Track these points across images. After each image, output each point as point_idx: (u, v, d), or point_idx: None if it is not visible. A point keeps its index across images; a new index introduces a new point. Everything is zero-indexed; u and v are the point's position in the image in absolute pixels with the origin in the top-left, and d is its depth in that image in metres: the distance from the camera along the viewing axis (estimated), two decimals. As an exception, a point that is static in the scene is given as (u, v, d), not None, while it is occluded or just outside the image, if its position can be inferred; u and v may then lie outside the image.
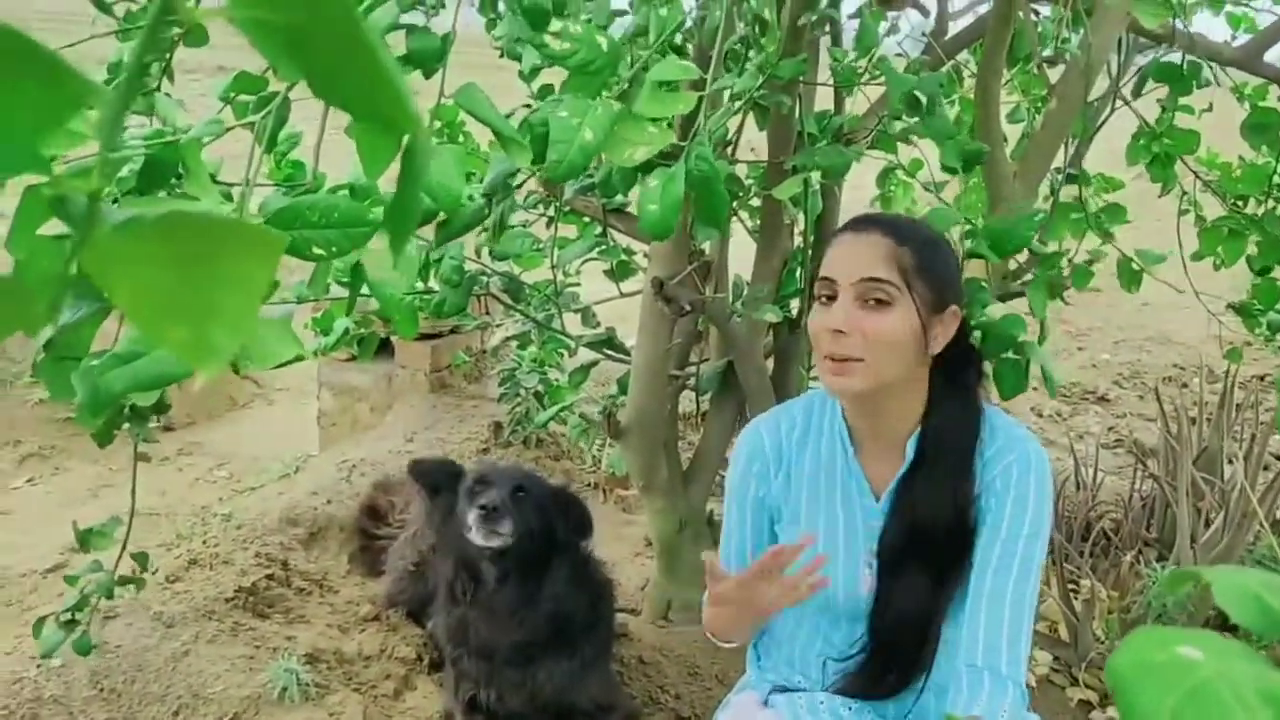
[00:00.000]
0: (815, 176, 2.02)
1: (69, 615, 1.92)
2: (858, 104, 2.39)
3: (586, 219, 2.63)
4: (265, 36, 0.31)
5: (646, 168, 1.43)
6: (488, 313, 3.82)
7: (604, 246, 2.59)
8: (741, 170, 2.47)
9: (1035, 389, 4.94)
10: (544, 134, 1.30)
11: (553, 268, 2.49)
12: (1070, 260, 2.39)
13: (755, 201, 2.52)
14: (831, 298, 1.43)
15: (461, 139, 2.96)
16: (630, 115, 1.27)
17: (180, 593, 2.63)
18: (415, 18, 1.41)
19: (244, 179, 1.05)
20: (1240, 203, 2.70)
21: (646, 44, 1.55)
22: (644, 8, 1.83)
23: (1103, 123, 2.56)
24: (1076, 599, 2.67)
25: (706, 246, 2.49)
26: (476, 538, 2.01)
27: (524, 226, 2.57)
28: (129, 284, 0.32)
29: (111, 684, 2.26)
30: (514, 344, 3.41)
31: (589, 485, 3.71)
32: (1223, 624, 2.51)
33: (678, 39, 2.25)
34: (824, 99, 2.40)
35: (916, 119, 1.98)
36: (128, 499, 2.08)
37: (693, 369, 2.64)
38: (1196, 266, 2.70)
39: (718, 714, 1.67)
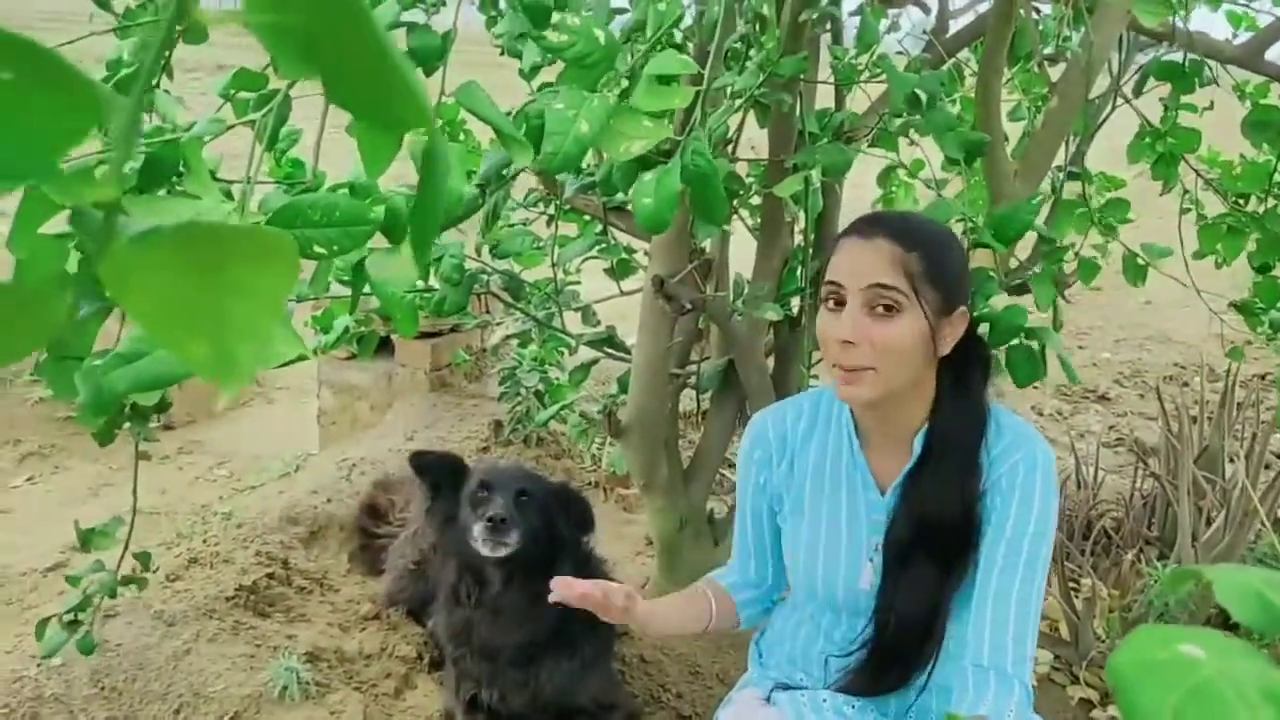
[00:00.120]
0: (816, 174, 2.02)
1: (72, 615, 1.92)
2: (858, 102, 2.38)
3: (587, 217, 2.63)
4: (280, 41, 0.31)
5: (646, 164, 1.43)
6: (488, 311, 3.82)
7: (604, 245, 2.59)
8: (742, 168, 2.47)
9: (1035, 387, 4.94)
10: (540, 126, 1.29)
11: (553, 266, 2.49)
12: (1076, 254, 2.39)
13: (756, 199, 2.51)
14: (839, 302, 1.43)
15: (462, 137, 2.96)
16: (627, 109, 1.27)
17: (181, 591, 2.63)
18: (416, 15, 1.41)
19: (244, 177, 1.05)
20: (1241, 201, 2.70)
21: (645, 39, 1.55)
22: (642, 2, 1.82)
23: (1103, 121, 2.55)
24: (1077, 597, 2.67)
25: (707, 245, 2.48)
26: (483, 549, 2.01)
27: (524, 225, 2.58)
28: (148, 297, 0.32)
29: (112, 682, 2.26)
30: (514, 342, 3.41)
31: (589, 484, 3.71)
32: (1224, 622, 2.51)
33: (678, 36, 2.25)
34: (825, 97, 2.40)
35: (917, 115, 1.98)
36: (128, 498, 2.08)
37: (693, 367, 2.64)
38: (1198, 265, 2.70)
39: (720, 711, 1.67)
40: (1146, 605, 2.60)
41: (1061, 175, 2.43)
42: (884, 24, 2.43)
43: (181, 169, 1.10)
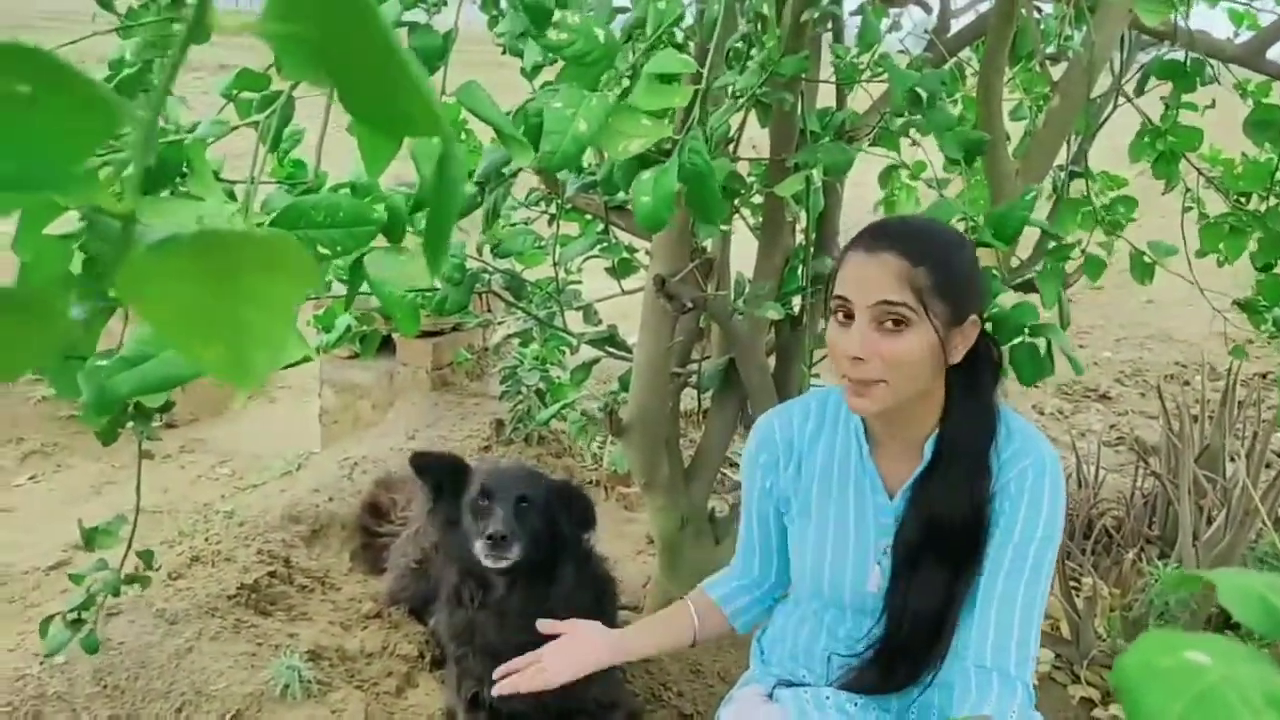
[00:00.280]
0: (817, 174, 2.02)
1: (75, 614, 1.93)
2: (860, 101, 2.38)
3: (588, 216, 2.63)
4: (295, 50, 0.31)
5: (646, 162, 1.43)
6: (489, 310, 3.82)
7: (606, 244, 2.59)
8: (744, 167, 2.47)
9: (1036, 385, 4.94)
10: (539, 124, 1.30)
11: (554, 265, 2.49)
12: (1083, 251, 2.39)
13: (757, 199, 2.51)
14: (848, 315, 1.42)
15: (464, 137, 2.96)
16: (625, 107, 1.27)
17: (183, 590, 2.64)
18: (417, 15, 1.41)
19: (247, 177, 1.05)
20: (1242, 199, 2.70)
21: (645, 37, 1.55)
22: (643, 1, 1.82)
23: (1105, 120, 2.56)
24: (1078, 597, 2.67)
25: (708, 244, 2.49)
26: (485, 562, 2.01)
27: (526, 224, 2.58)
28: (164, 303, 0.32)
29: (115, 681, 2.26)
30: (516, 341, 3.41)
31: (591, 482, 3.71)
32: (1225, 622, 2.51)
33: (679, 35, 2.25)
34: (826, 96, 2.40)
35: (918, 115, 1.98)
36: (130, 496, 2.09)
37: (694, 366, 2.64)
38: (1200, 263, 2.70)
39: (722, 709, 1.67)
40: (1147, 605, 2.60)
41: (1064, 174, 2.43)
42: (885, 23, 2.43)
43: (185, 170, 1.10)
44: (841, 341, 1.42)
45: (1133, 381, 5.32)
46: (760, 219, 2.47)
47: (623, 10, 2.02)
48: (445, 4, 1.44)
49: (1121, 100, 2.56)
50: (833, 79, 2.26)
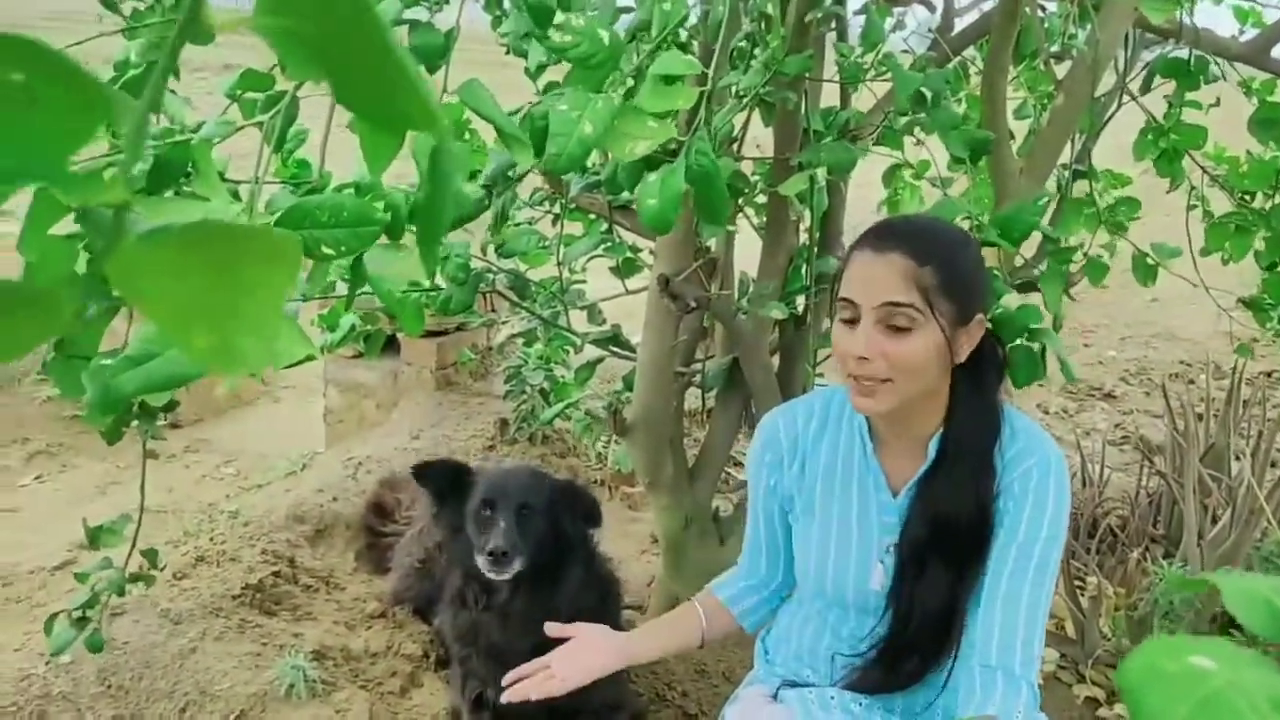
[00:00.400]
0: (821, 173, 2.01)
1: (80, 613, 1.93)
2: (863, 100, 2.38)
3: (592, 216, 2.63)
4: (290, 45, 0.31)
5: (651, 164, 1.43)
6: (494, 310, 3.82)
7: (610, 243, 2.58)
8: (747, 167, 2.47)
9: (1041, 385, 4.92)
10: (544, 127, 1.30)
11: (558, 265, 2.49)
12: (1085, 254, 2.38)
13: (761, 198, 2.51)
14: (854, 318, 1.42)
15: (467, 136, 2.96)
16: (631, 109, 1.26)
17: (187, 590, 2.64)
18: (419, 13, 1.41)
19: (252, 177, 1.05)
20: (1248, 197, 2.69)
21: (650, 39, 1.54)
22: (647, 2, 1.82)
23: (1110, 118, 2.55)
24: (1083, 596, 2.67)
25: (712, 243, 2.48)
26: (488, 574, 2.01)
27: (530, 224, 2.57)
28: (155, 293, 0.32)
29: (119, 681, 2.26)
30: (520, 341, 3.41)
31: (595, 482, 3.71)
32: (1230, 621, 2.51)
33: (683, 35, 2.25)
34: (830, 95, 2.40)
35: (922, 114, 1.97)
36: (135, 496, 2.09)
37: (698, 366, 2.64)
38: (1204, 261, 2.69)
39: (726, 709, 1.67)
40: (1152, 604, 2.60)
41: (1068, 173, 2.43)
42: (890, 22, 2.43)
43: (190, 170, 1.10)
44: (846, 342, 1.42)
45: (1138, 380, 5.31)
46: (764, 218, 2.47)
47: (627, 10, 2.02)
48: (447, 2, 1.44)
49: (1126, 98, 2.56)
50: (837, 78, 2.26)
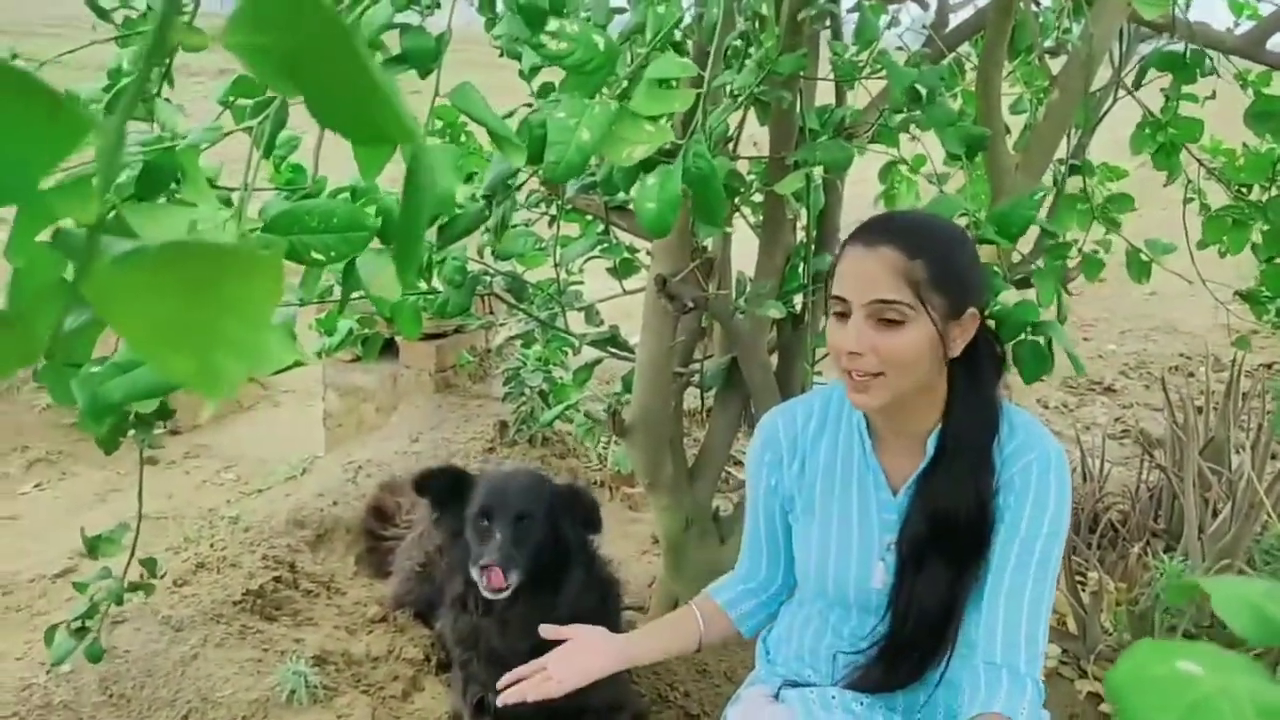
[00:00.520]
0: (817, 172, 2.01)
1: (79, 623, 1.93)
2: (859, 98, 2.38)
3: (589, 217, 2.63)
4: (261, 61, 0.31)
5: (647, 165, 1.43)
6: (491, 312, 3.82)
7: (607, 244, 2.58)
8: (743, 166, 2.46)
9: (1041, 380, 4.91)
10: (542, 135, 1.29)
11: (555, 266, 2.49)
12: (1080, 250, 2.38)
13: (758, 197, 2.51)
14: (845, 314, 1.42)
15: (463, 139, 2.96)
16: (628, 114, 1.26)
17: (188, 596, 2.64)
18: (410, 17, 1.40)
19: (243, 183, 1.05)
20: (1244, 190, 2.69)
21: (644, 42, 1.54)
22: (641, 5, 1.82)
23: (1105, 113, 2.55)
24: (1084, 591, 2.66)
25: (709, 243, 2.48)
26: (484, 592, 2.00)
27: (526, 226, 2.57)
28: (132, 315, 0.32)
29: (120, 689, 2.26)
30: (518, 343, 3.40)
31: (595, 483, 3.71)
32: (1232, 615, 2.50)
33: (677, 36, 2.25)
34: (825, 94, 2.39)
35: (918, 111, 1.97)
36: (135, 503, 2.08)
37: (697, 366, 2.63)
38: (1202, 254, 2.69)
39: (728, 709, 1.67)
40: (1153, 599, 2.60)
41: (1064, 169, 2.42)
42: (884, 19, 2.43)
43: (179, 176, 1.10)
44: (838, 337, 1.42)
45: (1137, 374, 5.30)
46: (761, 217, 2.46)
47: (620, 10, 2.01)
48: (438, 6, 1.44)
49: (1121, 93, 2.55)
50: (831, 76, 2.25)
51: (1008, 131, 2.33)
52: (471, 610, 2.13)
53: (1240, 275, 3.16)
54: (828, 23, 2.25)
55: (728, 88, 1.90)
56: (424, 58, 1.33)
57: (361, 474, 3.44)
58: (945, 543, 1.50)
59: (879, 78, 2.15)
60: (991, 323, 1.76)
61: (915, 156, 2.76)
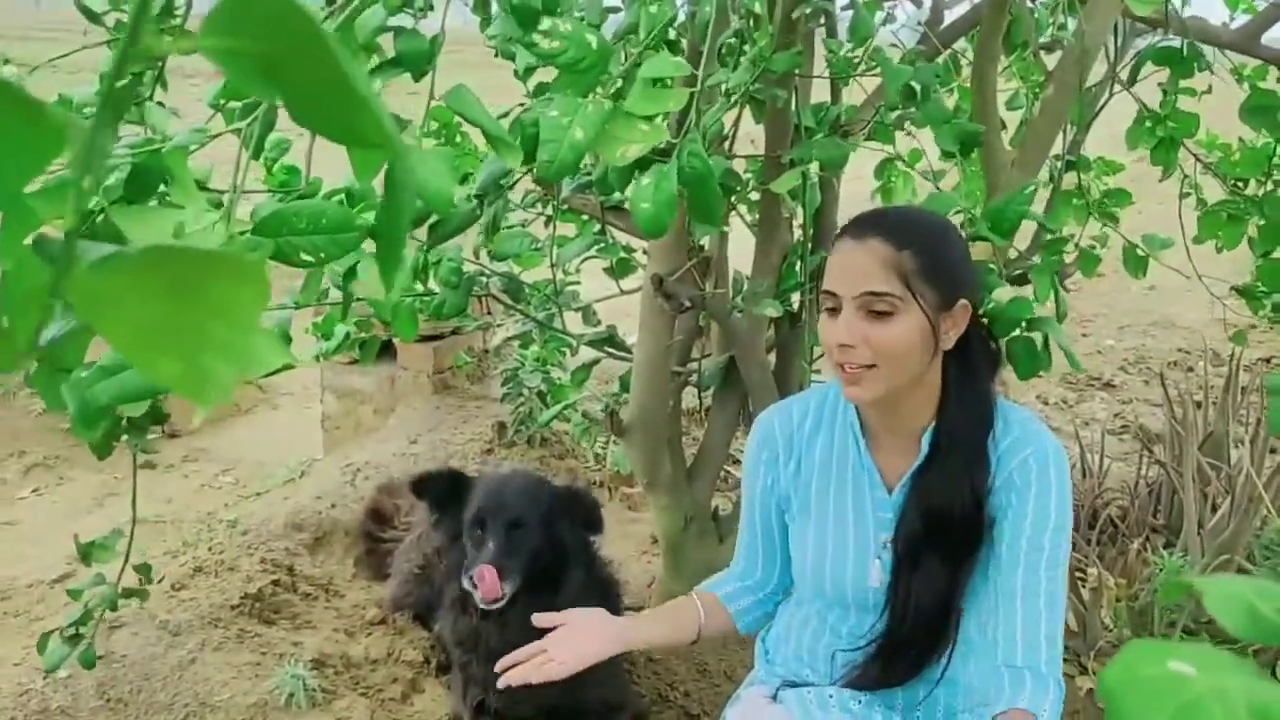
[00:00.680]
0: (813, 169, 2.01)
1: (73, 629, 1.92)
2: (854, 95, 2.37)
3: (585, 217, 2.62)
4: (238, 65, 0.31)
5: (643, 165, 1.42)
6: (489, 313, 3.81)
7: (603, 244, 2.58)
8: (740, 164, 2.46)
9: (1040, 375, 4.91)
10: (535, 133, 1.29)
11: (552, 267, 2.48)
12: (1076, 245, 2.38)
13: (754, 196, 2.51)
14: (836, 308, 1.42)
15: (459, 139, 2.95)
16: (621, 113, 1.26)
17: (186, 600, 2.63)
18: (403, 19, 1.40)
19: (232, 186, 1.04)
20: (1240, 185, 2.68)
21: (638, 41, 1.54)
22: (635, 4, 1.82)
23: (1101, 108, 2.54)
24: (1084, 587, 2.66)
25: (706, 242, 2.48)
26: (478, 603, 1.98)
27: (522, 226, 2.57)
28: (115, 320, 0.32)
29: (118, 694, 2.26)
30: (516, 344, 3.40)
31: (594, 483, 3.70)
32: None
33: (672, 35, 2.24)
34: (821, 91, 2.39)
35: (913, 108, 1.97)
36: (133, 508, 2.08)
37: (695, 365, 2.63)
38: (1199, 249, 2.69)
39: (727, 710, 1.66)
40: (1153, 594, 2.59)
41: (1060, 164, 2.42)
42: (879, 16, 2.42)
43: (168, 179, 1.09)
44: (829, 332, 1.42)
45: (1136, 369, 5.30)
46: (757, 216, 2.46)
47: (614, 10, 2.01)
48: (431, 8, 1.43)
49: (1117, 88, 2.55)
50: (827, 74, 2.25)
51: (1003, 127, 2.33)
52: (470, 612, 2.13)
53: (1237, 270, 3.16)
54: (822, 20, 2.25)
55: (723, 86, 1.90)
56: (418, 60, 1.33)
57: (360, 476, 3.44)
58: (941, 540, 1.49)
59: (874, 75, 2.14)
60: (986, 319, 1.76)
61: (911, 151, 2.76)
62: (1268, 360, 5.19)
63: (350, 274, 1.32)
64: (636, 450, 2.50)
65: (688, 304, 2.28)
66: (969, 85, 2.39)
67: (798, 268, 2.33)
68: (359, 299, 1.40)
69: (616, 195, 2.14)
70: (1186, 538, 2.74)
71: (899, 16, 2.55)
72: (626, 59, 1.51)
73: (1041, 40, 2.44)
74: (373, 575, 2.95)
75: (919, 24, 2.46)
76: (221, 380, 0.33)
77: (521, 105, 2.09)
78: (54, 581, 3.21)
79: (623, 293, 2.62)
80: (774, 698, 1.62)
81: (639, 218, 1.36)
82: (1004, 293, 1.75)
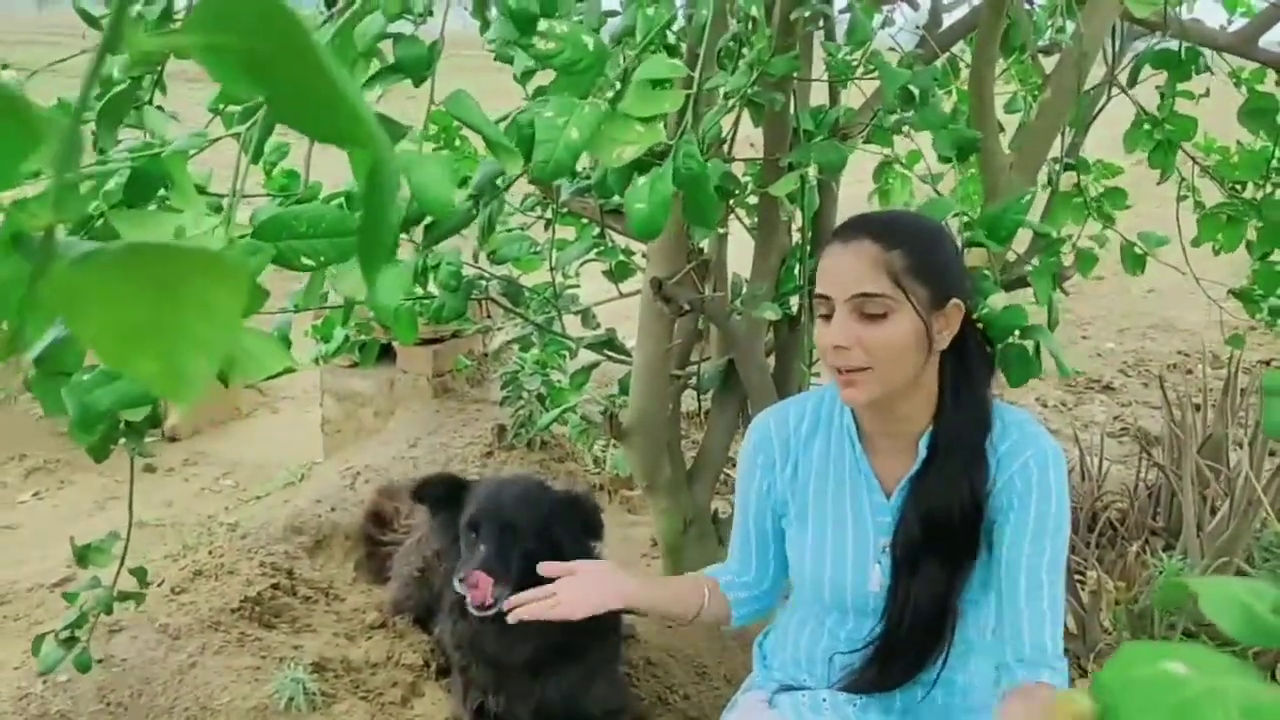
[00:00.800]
0: (812, 172, 2.01)
1: (69, 633, 1.92)
2: (853, 98, 2.38)
3: (584, 220, 2.63)
4: (220, 62, 0.31)
5: (641, 167, 1.42)
6: (488, 316, 3.82)
7: (602, 247, 2.58)
8: (738, 168, 2.46)
9: (1040, 379, 4.91)
10: (531, 134, 1.29)
11: (551, 270, 2.49)
12: (1074, 246, 2.38)
13: (753, 199, 2.51)
14: (830, 312, 1.42)
15: (458, 143, 2.96)
16: (617, 114, 1.26)
17: (186, 604, 2.63)
18: (402, 25, 1.40)
19: (232, 189, 1.04)
20: (1238, 188, 2.69)
21: (635, 44, 1.54)
22: (632, 7, 1.82)
23: (1099, 111, 2.55)
24: (1083, 590, 2.66)
25: (705, 245, 2.48)
26: (471, 609, 1.97)
27: (521, 229, 2.57)
28: (92, 318, 0.32)
29: (118, 698, 2.26)
30: (515, 347, 3.41)
31: (594, 487, 3.70)
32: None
33: (672, 39, 2.25)
34: (819, 94, 2.39)
35: (911, 111, 1.97)
36: (135, 511, 2.08)
37: (694, 368, 2.63)
38: (1197, 252, 2.69)
39: (725, 715, 1.66)
40: (1152, 597, 2.59)
41: (1058, 167, 2.42)
42: (877, 19, 2.43)
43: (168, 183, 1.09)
44: (823, 335, 1.43)
45: (1135, 372, 5.30)
46: (756, 219, 2.46)
47: (613, 13, 2.01)
48: (431, 14, 1.44)
49: (1115, 91, 2.55)
50: (825, 77, 2.25)
51: (1002, 130, 2.33)
52: (470, 616, 2.12)
53: (1235, 272, 3.16)
54: (820, 23, 2.25)
55: (721, 90, 1.90)
56: (418, 66, 1.33)
57: (359, 479, 3.44)
58: (940, 543, 1.49)
59: (872, 79, 2.15)
60: (980, 324, 1.76)
61: (910, 154, 2.76)
62: (1267, 362, 5.20)
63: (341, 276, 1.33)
64: (636, 453, 2.51)
65: (687, 307, 2.29)
66: (967, 88, 2.39)
67: (796, 271, 2.33)
68: (359, 302, 1.40)
69: (615, 198, 2.14)
70: (1186, 540, 2.74)
71: (897, 20, 2.56)
72: (624, 61, 1.51)
73: (1039, 43, 2.45)
74: (373, 579, 2.95)
75: (917, 27, 2.47)
76: (198, 377, 0.33)
77: (520, 109, 2.09)
78: (54, 585, 3.21)
79: (622, 296, 2.63)
80: (770, 702, 1.62)
81: (633, 219, 1.36)
82: (998, 299, 1.75)
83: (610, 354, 2.66)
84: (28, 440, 4.68)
